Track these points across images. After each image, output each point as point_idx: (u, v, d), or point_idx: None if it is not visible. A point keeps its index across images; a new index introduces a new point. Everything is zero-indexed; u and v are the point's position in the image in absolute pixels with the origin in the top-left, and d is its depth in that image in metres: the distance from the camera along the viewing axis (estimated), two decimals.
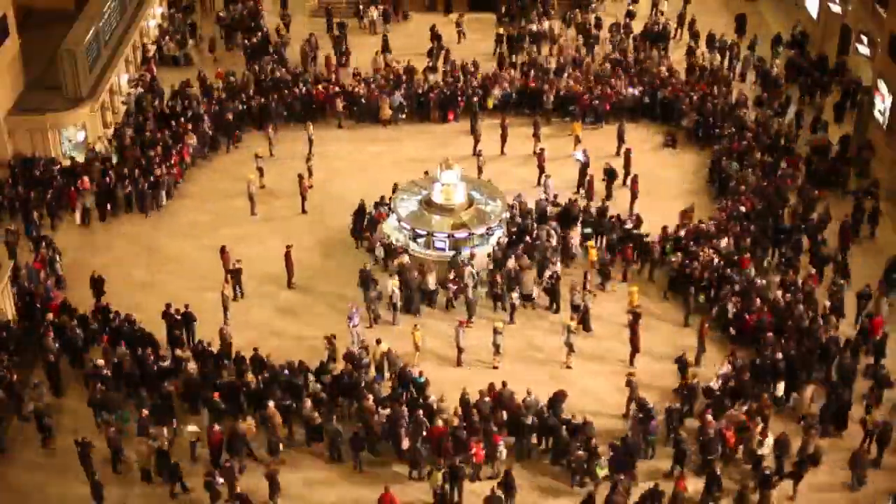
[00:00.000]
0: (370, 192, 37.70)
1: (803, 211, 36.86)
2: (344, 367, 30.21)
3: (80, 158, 40.64)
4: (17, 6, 41.97)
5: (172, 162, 39.88)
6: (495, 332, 31.61)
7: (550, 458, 28.58)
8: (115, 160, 40.34)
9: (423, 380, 29.69)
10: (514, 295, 33.28)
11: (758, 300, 32.31)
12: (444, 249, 34.99)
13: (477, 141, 41.54)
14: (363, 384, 29.54)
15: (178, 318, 32.05)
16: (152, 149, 40.32)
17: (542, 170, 39.67)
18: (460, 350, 31.82)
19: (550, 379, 30.49)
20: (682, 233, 35.47)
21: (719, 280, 33.28)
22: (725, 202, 37.70)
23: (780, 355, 30.10)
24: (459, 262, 33.94)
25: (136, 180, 38.82)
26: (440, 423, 28.16)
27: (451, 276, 33.86)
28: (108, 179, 38.79)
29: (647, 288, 34.68)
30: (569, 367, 31.73)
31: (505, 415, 28.72)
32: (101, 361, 30.32)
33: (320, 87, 44.51)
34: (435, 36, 48.65)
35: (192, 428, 28.48)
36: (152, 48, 48.67)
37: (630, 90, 44.03)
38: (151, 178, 38.89)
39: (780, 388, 29.87)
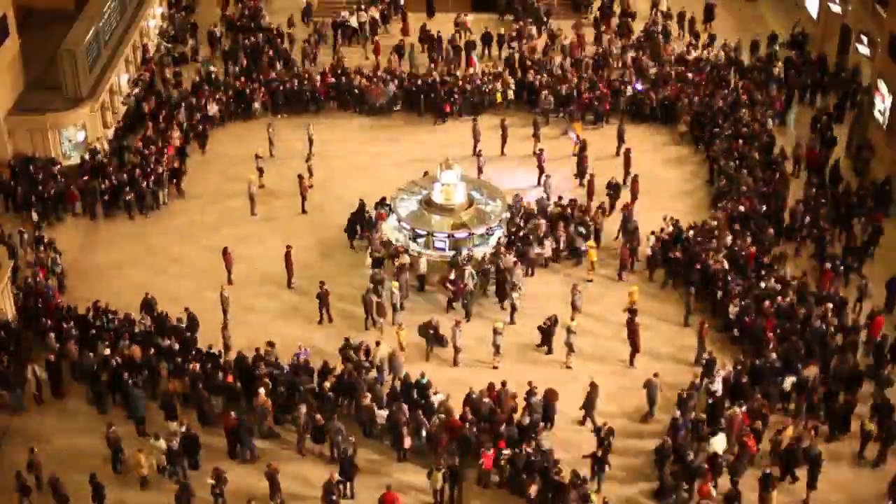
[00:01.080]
0: (370, 192, 37.69)
1: (804, 211, 36.85)
2: (344, 368, 30.22)
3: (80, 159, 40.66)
4: (17, 6, 41.90)
5: (165, 160, 39.95)
6: (495, 332, 31.59)
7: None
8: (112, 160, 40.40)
9: (425, 381, 29.66)
10: (515, 295, 33.28)
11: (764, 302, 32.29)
12: (444, 249, 35.00)
13: (477, 141, 41.55)
14: (363, 384, 29.52)
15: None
16: (148, 147, 40.39)
17: (541, 170, 39.67)
18: (457, 350, 31.81)
19: (550, 379, 30.45)
20: (691, 232, 35.46)
21: (724, 282, 33.21)
22: (725, 202, 37.68)
23: (774, 356, 30.10)
24: (460, 262, 33.95)
25: (135, 180, 38.81)
26: (455, 416, 28.39)
27: (452, 276, 33.86)
28: (107, 182, 38.78)
29: (647, 288, 34.70)
30: (569, 368, 31.73)
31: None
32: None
33: (318, 76, 45.06)
34: (428, 37, 48.58)
35: (160, 443, 28.20)
36: (152, 48, 48.67)
37: (636, 87, 44.18)
38: (153, 178, 38.88)
39: (788, 382, 29.74)
